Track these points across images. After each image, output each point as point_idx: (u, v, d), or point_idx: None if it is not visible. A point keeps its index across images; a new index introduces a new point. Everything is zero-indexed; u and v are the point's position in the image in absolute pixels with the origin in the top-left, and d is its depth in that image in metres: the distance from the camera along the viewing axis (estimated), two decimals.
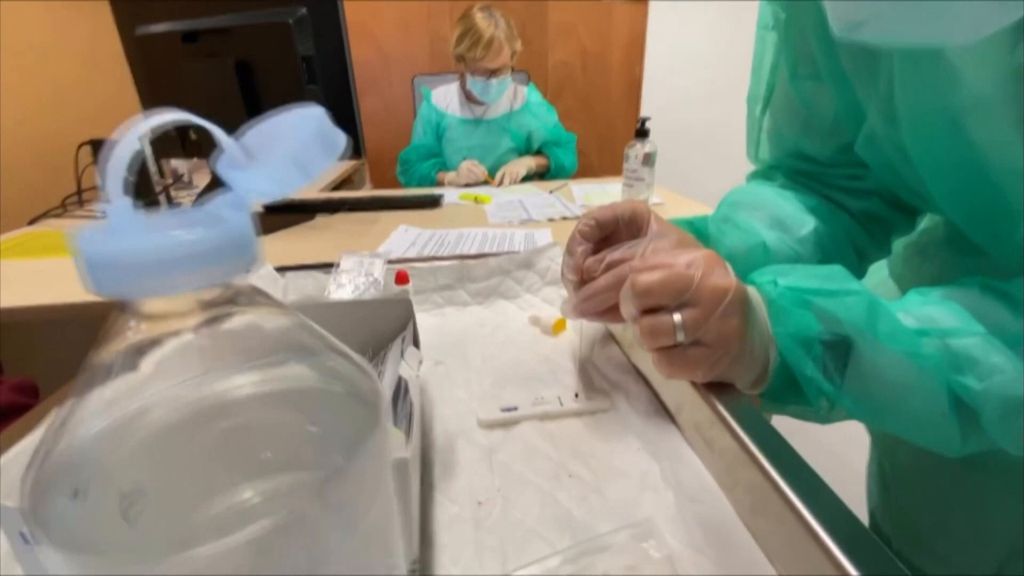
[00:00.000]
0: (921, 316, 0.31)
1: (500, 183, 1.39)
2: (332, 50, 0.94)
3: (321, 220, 1.09)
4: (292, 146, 0.13)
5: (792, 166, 0.47)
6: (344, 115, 0.98)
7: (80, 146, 1.21)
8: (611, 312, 0.34)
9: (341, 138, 0.14)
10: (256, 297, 0.15)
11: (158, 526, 0.13)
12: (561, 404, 0.37)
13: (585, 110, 2.20)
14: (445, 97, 1.54)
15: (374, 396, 0.15)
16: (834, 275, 0.33)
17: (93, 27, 1.49)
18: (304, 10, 0.91)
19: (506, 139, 1.54)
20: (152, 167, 1.17)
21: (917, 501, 0.48)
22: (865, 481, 0.58)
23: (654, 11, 2.08)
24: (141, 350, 0.13)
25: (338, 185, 1.69)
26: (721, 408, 0.30)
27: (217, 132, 0.14)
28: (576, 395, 0.38)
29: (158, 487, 0.14)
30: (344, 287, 0.50)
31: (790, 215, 0.44)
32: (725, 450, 0.28)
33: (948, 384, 0.29)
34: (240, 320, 0.14)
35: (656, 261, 0.31)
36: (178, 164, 1.32)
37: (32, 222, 1.13)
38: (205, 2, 0.92)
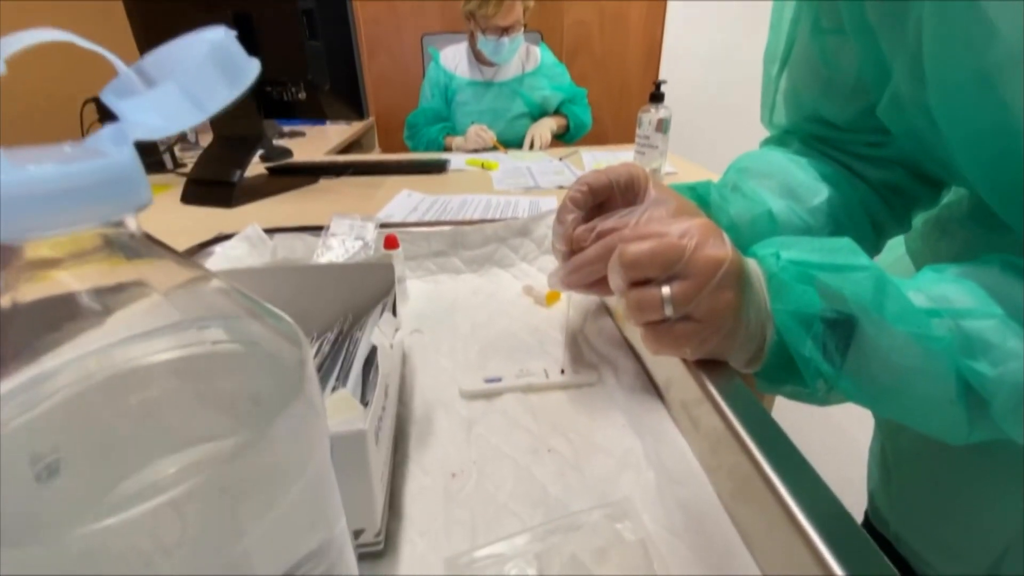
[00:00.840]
0: (934, 295, 0.29)
1: (531, 147, 1.35)
2: (334, 3, 0.90)
3: (324, 183, 1.07)
4: (184, 74, 0.11)
5: (809, 131, 0.44)
6: (346, 73, 0.95)
7: (84, 103, 1.20)
8: (600, 284, 0.32)
9: (248, 66, 0.13)
10: (158, 251, 0.13)
11: (66, 506, 0.12)
12: (547, 377, 0.36)
13: (600, 73, 2.11)
14: (454, 58, 1.48)
15: (297, 363, 0.14)
16: (841, 248, 0.31)
17: None
18: None
19: (518, 103, 1.48)
20: None
21: (919, 485, 0.46)
22: (867, 461, 0.56)
23: None
24: (32, 310, 0.12)
25: (345, 149, 1.66)
26: (710, 386, 0.28)
27: (107, 54, 0.12)
28: (563, 369, 0.36)
29: (68, 464, 0.12)
30: (333, 250, 0.49)
31: (802, 183, 0.41)
32: (710, 430, 0.27)
33: (958, 369, 0.27)
34: (145, 277, 0.13)
35: (648, 230, 0.28)
36: None
37: None
38: None
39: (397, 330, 0.31)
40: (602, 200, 0.36)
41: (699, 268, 0.27)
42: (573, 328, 0.43)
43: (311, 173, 1.10)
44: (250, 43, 0.91)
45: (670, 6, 2.02)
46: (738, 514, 0.24)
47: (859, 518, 0.54)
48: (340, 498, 0.17)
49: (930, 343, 0.27)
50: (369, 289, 0.37)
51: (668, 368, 0.32)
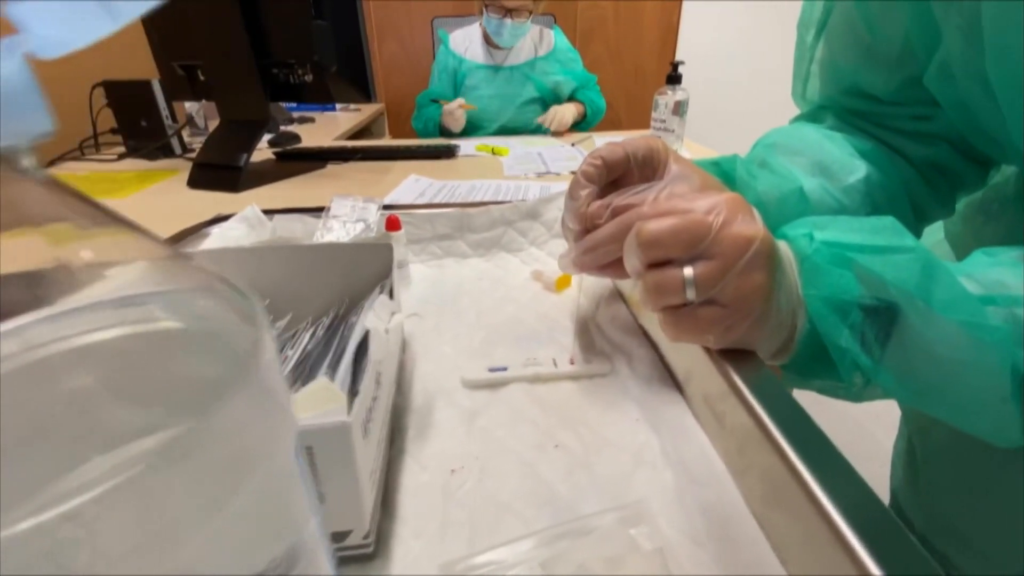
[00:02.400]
0: (988, 281, 0.26)
1: (549, 125, 1.31)
2: None
3: (332, 168, 1.05)
4: None
5: (846, 105, 0.41)
6: (353, 54, 0.92)
7: (93, 87, 1.19)
8: (615, 266, 0.29)
9: None
10: (74, 207, 0.11)
11: None
12: (555, 366, 0.33)
13: (615, 59, 2.06)
14: (464, 41, 1.44)
15: (249, 345, 0.12)
16: (883, 228, 0.27)
17: None
18: None
19: (529, 88, 1.44)
20: (164, 110, 1.15)
21: (949, 485, 0.43)
22: (890, 457, 0.53)
23: None
24: None
25: (355, 135, 1.64)
26: (737, 378, 0.25)
27: None
28: (572, 359, 0.34)
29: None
30: (333, 232, 0.46)
31: (837, 160, 0.37)
32: (737, 427, 0.24)
33: (1014, 363, 0.24)
34: (67, 240, 0.10)
35: (669, 206, 0.25)
36: (190, 107, 1.29)
37: (49, 165, 1.13)
38: None
39: (394, 314, 0.28)
40: (618, 176, 0.33)
41: (726, 247, 0.24)
42: (584, 315, 0.40)
43: (319, 158, 1.09)
44: (257, 25, 0.89)
45: None
46: (769, 522, 0.21)
47: None
48: (312, 499, 0.15)
49: (983, 333, 0.24)
50: (367, 271, 0.34)
51: (689, 358, 0.30)
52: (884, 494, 0.49)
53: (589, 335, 0.38)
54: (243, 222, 0.47)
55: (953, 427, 0.29)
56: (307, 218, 0.49)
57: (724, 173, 0.38)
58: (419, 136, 1.49)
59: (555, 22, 1.56)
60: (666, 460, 0.26)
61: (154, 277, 0.12)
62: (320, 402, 0.18)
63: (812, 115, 0.44)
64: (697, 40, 2.03)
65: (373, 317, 0.26)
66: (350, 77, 0.95)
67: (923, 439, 0.47)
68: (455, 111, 1.33)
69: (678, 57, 2.06)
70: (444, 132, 1.42)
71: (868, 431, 1.28)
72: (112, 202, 0.84)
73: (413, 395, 0.32)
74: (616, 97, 2.04)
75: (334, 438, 0.18)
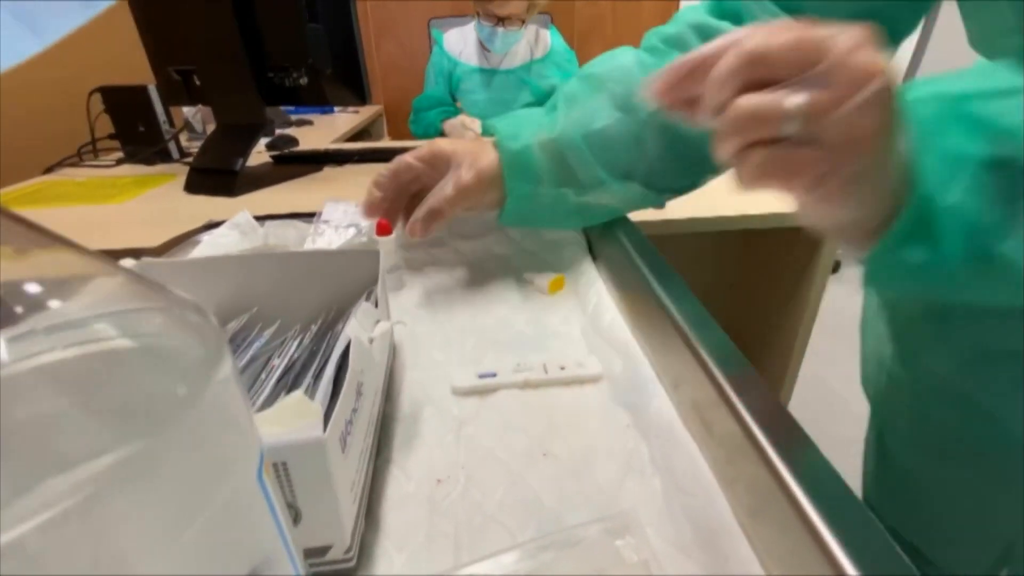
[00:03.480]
0: None
1: None
2: None
3: (329, 171, 1.05)
4: None
5: None
6: (348, 57, 0.92)
7: (91, 93, 1.19)
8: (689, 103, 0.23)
9: None
10: (17, 231, 0.11)
11: None
12: (546, 372, 0.33)
13: None
14: (459, 43, 1.43)
15: (201, 363, 0.11)
16: (995, 71, 0.23)
17: None
18: None
19: (525, 92, 1.43)
20: (161, 115, 1.15)
21: (919, 477, 0.43)
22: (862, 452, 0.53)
23: None
24: None
25: (353, 137, 1.64)
26: (726, 385, 0.25)
27: None
28: (562, 366, 0.33)
29: None
30: (324, 236, 0.46)
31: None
32: (726, 437, 0.24)
33: None
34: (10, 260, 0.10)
35: (784, 26, 0.20)
36: (187, 111, 1.29)
37: (48, 171, 1.13)
38: None
39: (379, 322, 0.28)
40: (411, 178, 0.42)
41: (848, 75, 0.19)
42: (576, 318, 0.40)
43: (315, 161, 1.08)
44: (252, 29, 0.89)
45: None
46: (757, 534, 0.21)
47: None
48: (283, 518, 0.14)
49: None
50: (355, 278, 0.34)
51: (678, 364, 0.29)
52: (855, 488, 0.49)
53: (581, 339, 0.38)
54: (234, 228, 0.47)
55: (919, 415, 0.28)
56: (299, 223, 0.49)
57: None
58: (419, 134, 1.49)
59: (552, 22, 1.55)
60: (655, 468, 0.26)
61: (104, 297, 0.11)
62: (294, 417, 0.18)
63: None
64: None
65: (356, 326, 0.26)
66: (345, 79, 0.95)
67: (892, 428, 0.46)
68: (468, 124, 1.32)
69: None
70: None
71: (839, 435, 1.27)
72: (110, 207, 0.84)
73: (401, 403, 0.32)
74: None
75: (309, 454, 0.18)
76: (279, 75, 0.94)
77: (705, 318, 0.30)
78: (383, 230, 0.43)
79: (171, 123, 1.17)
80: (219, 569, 0.12)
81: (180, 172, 1.02)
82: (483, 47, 1.41)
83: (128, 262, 0.31)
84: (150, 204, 0.86)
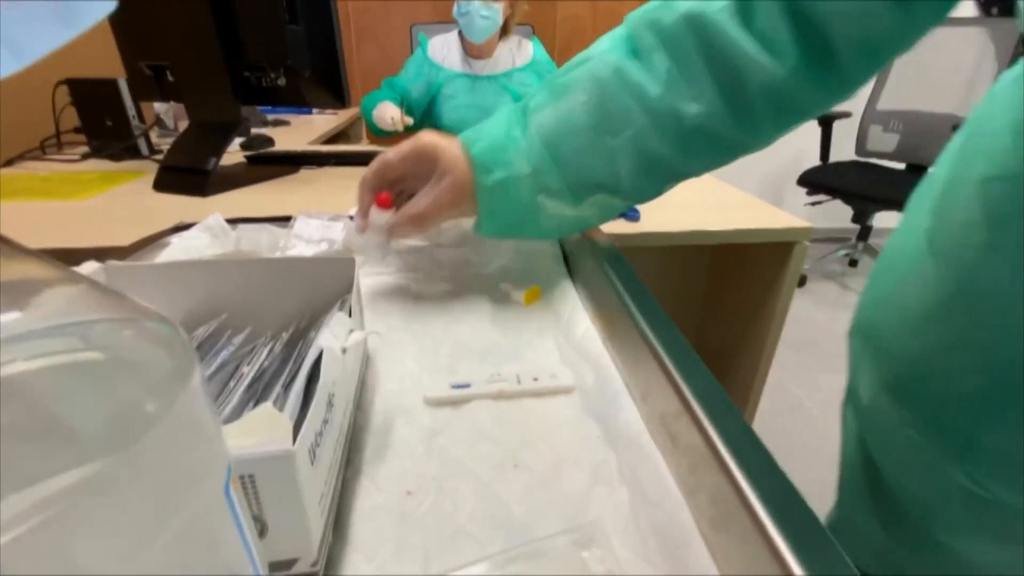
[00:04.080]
0: None
1: None
2: None
3: (305, 173, 1.03)
4: None
5: None
6: (327, 59, 0.91)
7: (56, 85, 1.15)
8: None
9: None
10: None
11: None
12: (519, 383, 0.33)
13: None
14: (442, 49, 1.43)
15: (169, 378, 0.11)
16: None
17: None
18: None
19: (506, 99, 1.44)
20: (130, 110, 1.12)
21: (918, 488, 0.42)
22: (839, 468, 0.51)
23: None
24: None
25: (331, 139, 1.62)
26: (690, 397, 0.26)
27: None
28: (535, 377, 0.34)
29: None
30: (295, 251, 0.46)
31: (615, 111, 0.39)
32: (689, 448, 0.24)
33: None
34: None
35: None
36: (158, 107, 1.26)
37: (8, 164, 1.09)
38: None
39: (352, 331, 0.28)
40: (397, 175, 0.44)
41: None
42: (551, 329, 0.40)
43: (291, 162, 1.07)
44: (229, 27, 0.87)
45: None
46: (717, 544, 0.22)
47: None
48: (249, 533, 0.14)
49: None
50: (329, 286, 0.34)
51: (647, 376, 0.30)
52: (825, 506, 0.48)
53: (555, 350, 0.38)
54: (206, 231, 0.46)
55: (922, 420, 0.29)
56: (272, 228, 0.48)
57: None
58: (363, 115, 1.45)
59: (533, 32, 1.57)
60: (622, 479, 0.27)
61: (67, 308, 0.11)
62: (263, 429, 0.18)
63: None
64: None
65: (329, 336, 0.25)
66: (325, 82, 0.94)
67: (882, 438, 0.44)
68: (391, 117, 1.31)
69: None
70: (375, 129, 1.38)
71: (832, 437, 1.31)
72: (73, 204, 0.81)
73: (373, 413, 0.31)
74: None
75: (277, 467, 0.18)
76: (256, 75, 0.92)
77: (673, 332, 0.31)
78: (384, 203, 0.43)
79: (141, 119, 1.14)
80: None
81: (149, 169, 0.99)
82: (467, 53, 1.41)
83: (91, 264, 0.31)
84: (117, 201, 0.83)
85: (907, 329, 0.33)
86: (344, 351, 0.26)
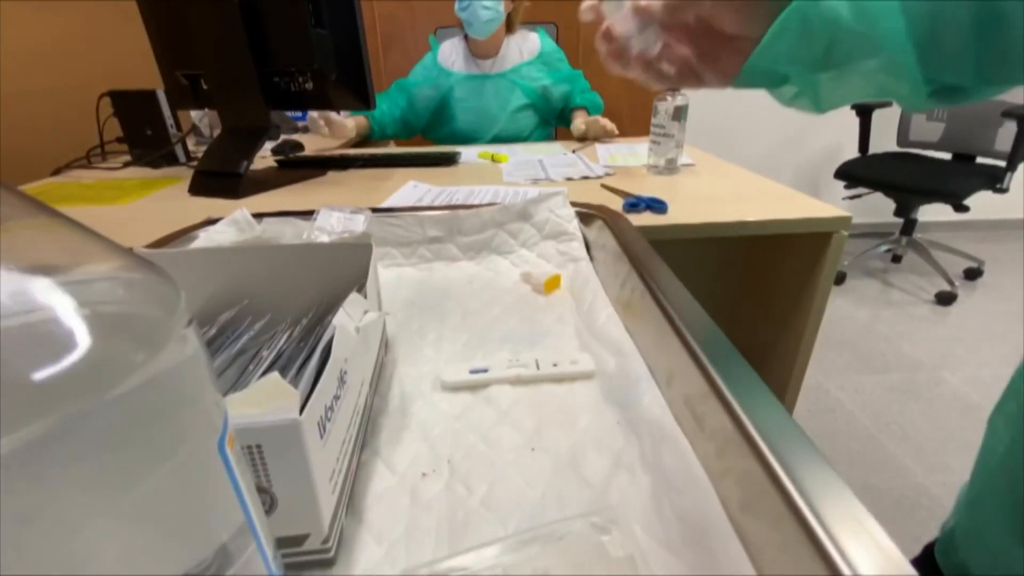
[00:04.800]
0: None
1: (591, 136, 1.29)
2: None
3: (333, 176, 1.05)
4: None
5: None
6: (353, 62, 0.92)
7: (100, 97, 1.21)
8: None
9: None
10: None
11: None
12: (538, 368, 0.32)
13: None
14: (451, 55, 1.42)
15: (159, 333, 0.11)
16: None
17: None
18: None
19: (517, 93, 1.41)
20: (168, 119, 1.16)
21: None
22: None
23: None
24: None
25: (359, 142, 1.65)
26: (717, 378, 0.24)
27: None
28: (555, 363, 0.33)
29: None
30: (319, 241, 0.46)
31: None
32: (717, 431, 0.23)
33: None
34: None
35: None
36: (195, 115, 1.31)
37: (56, 172, 1.15)
38: None
39: (367, 312, 0.28)
40: None
41: None
42: (571, 316, 0.39)
43: (320, 166, 1.09)
44: (259, 35, 0.90)
45: None
46: (747, 529, 0.20)
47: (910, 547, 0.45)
48: (250, 498, 0.14)
49: None
50: (347, 272, 0.34)
51: (671, 359, 0.29)
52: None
53: (574, 337, 0.37)
54: (232, 225, 0.47)
55: None
56: (296, 220, 0.49)
57: None
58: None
59: (558, 31, 1.56)
60: (644, 465, 0.25)
61: (64, 260, 0.11)
62: (270, 398, 0.18)
63: None
64: None
65: (343, 315, 0.25)
66: (350, 85, 0.96)
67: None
68: (317, 120, 1.29)
69: None
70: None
71: (877, 442, 1.25)
72: (114, 208, 0.84)
73: (391, 397, 0.31)
74: (619, 105, 2.03)
75: (284, 436, 0.18)
76: (284, 80, 0.95)
77: (699, 313, 0.30)
78: None
79: (178, 127, 1.18)
80: (182, 541, 0.12)
81: (186, 175, 1.03)
82: (473, 53, 1.40)
83: None
84: (154, 205, 0.87)
85: None
86: (358, 330, 0.26)
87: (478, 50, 1.40)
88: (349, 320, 0.25)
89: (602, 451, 0.27)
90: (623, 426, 0.28)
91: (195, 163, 1.14)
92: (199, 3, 0.90)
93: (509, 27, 1.39)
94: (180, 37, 0.97)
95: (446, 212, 0.49)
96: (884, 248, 2.24)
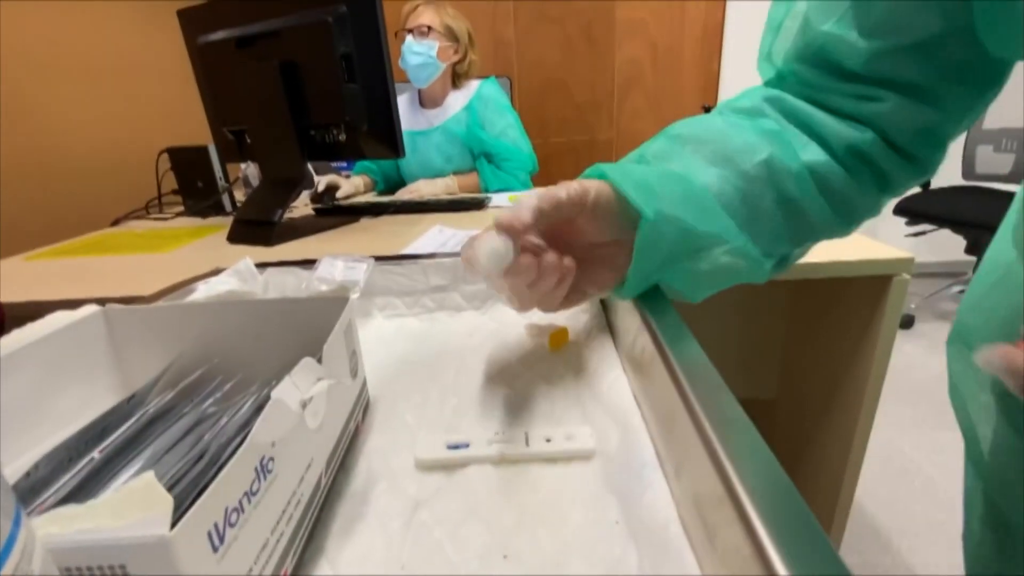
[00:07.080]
0: None
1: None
2: (372, 49, 0.92)
3: (365, 222, 1.07)
4: None
5: (801, 75, 0.35)
6: (381, 115, 0.95)
7: (160, 154, 1.30)
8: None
9: None
10: None
11: None
12: (527, 443, 0.28)
13: (654, 109, 2.05)
14: (402, 109, 1.37)
15: None
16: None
17: (170, 41, 1.63)
18: (344, 8, 0.90)
19: (456, 143, 1.40)
20: (218, 171, 1.23)
21: None
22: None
23: (732, 3, 1.89)
24: None
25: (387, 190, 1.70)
26: (735, 479, 0.19)
27: None
28: (548, 438, 0.28)
29: None
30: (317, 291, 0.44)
31: (738, 147, 0.33)
32: (730, 551, 0.17)
33: None
34: None
35: None
36: (244, 168, 1.38)
37: (115, 223, 1.23)
38: (258, 4, 0.94)
39: (320, 380, 0.24)
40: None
41: None
42: (575, 378, 0.34)
43: (354, 213, 1.12)
44: (295, 90, 0.94)
45: (727, 38, 1.94)
46: None
47: None
48: None
49: None
50: (325, 327, 0.31)
51: (683, 445, 0.23)
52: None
53: (576, 406, 0.32)
54: (234, 275, 0.46)
55: None
56: (298, 271, 0.48)
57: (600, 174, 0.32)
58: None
59: (512, 84, 1.53)
60: None
61: None
62: (139, 506, 0.14)
63: (772, 83, 0.39)
64: (739, 86, 2.00)
65: (288, 385, 0.22)
66: (380, 135, 0.98)
67: (1009, 494, 0.35)
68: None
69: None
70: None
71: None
72: (154, 256, 0.88)
73: (356, 474, 0.27)
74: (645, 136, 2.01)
75: (150, 556, 0.14)
76: (319, 132, 0.99)
77: (717, 384, 0.25)
78: None
79: (226, 179, 1.25)
80: None
81: (229, 224, 1.07)
82: (420, 104, 1.40)
83: (90, 307, 0.30)
84: (193, 254, 0.90)
85: (993, 331, 0.33)
86: (304, 404, 0.22)
87: (424, 98, 1.41)
88: (293, 391, 0.22)
89: (593, 563, 0.21)
90: (621, 527, 0.23)
91: None
92: (244, 65, 0.96)
93: (455, 81, 1.40)
94: (227, 96, 1.03)
95: (450, 259, 0.46)
96: (956, 289, 2.03)
